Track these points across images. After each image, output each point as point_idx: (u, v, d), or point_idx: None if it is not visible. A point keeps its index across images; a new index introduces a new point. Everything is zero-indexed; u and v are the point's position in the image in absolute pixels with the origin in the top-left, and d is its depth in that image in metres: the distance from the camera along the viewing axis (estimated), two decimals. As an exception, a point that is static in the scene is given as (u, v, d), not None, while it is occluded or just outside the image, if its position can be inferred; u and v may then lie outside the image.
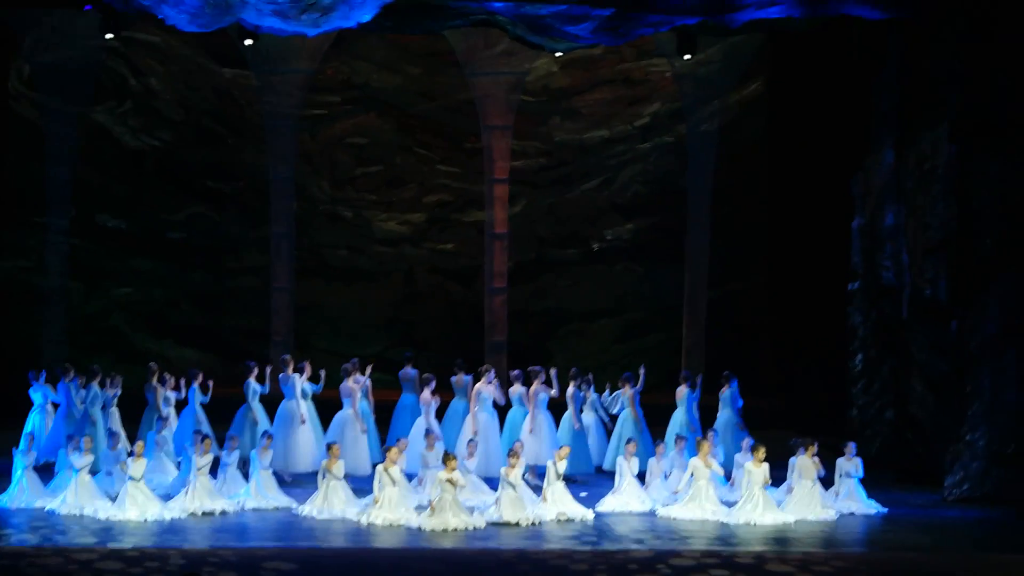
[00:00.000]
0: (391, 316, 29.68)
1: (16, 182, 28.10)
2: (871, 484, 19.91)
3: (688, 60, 26.79)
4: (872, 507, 19.35)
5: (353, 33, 24.73)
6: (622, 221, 29.87)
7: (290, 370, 21.17)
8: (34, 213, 28.10)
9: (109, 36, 25.71)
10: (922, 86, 21.64)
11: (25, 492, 18.75)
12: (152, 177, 29.31)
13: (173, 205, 29.31)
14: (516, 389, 21.28)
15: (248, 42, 25.19)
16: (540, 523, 17.98)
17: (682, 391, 22.10)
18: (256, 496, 18.96)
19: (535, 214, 29.77)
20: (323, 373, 21.46)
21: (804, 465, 18.87)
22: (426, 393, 20.89)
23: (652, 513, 18.91)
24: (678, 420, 21.90)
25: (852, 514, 19.09)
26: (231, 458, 19.32)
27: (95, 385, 21.48)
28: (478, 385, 21.19)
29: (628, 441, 19.91)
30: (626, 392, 21.88)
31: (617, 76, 29.92)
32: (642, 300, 29.73)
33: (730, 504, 18.89)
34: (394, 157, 29.87)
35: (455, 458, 18.02)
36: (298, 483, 20.42)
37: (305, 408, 21.19)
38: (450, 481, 17.61)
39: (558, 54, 26.30)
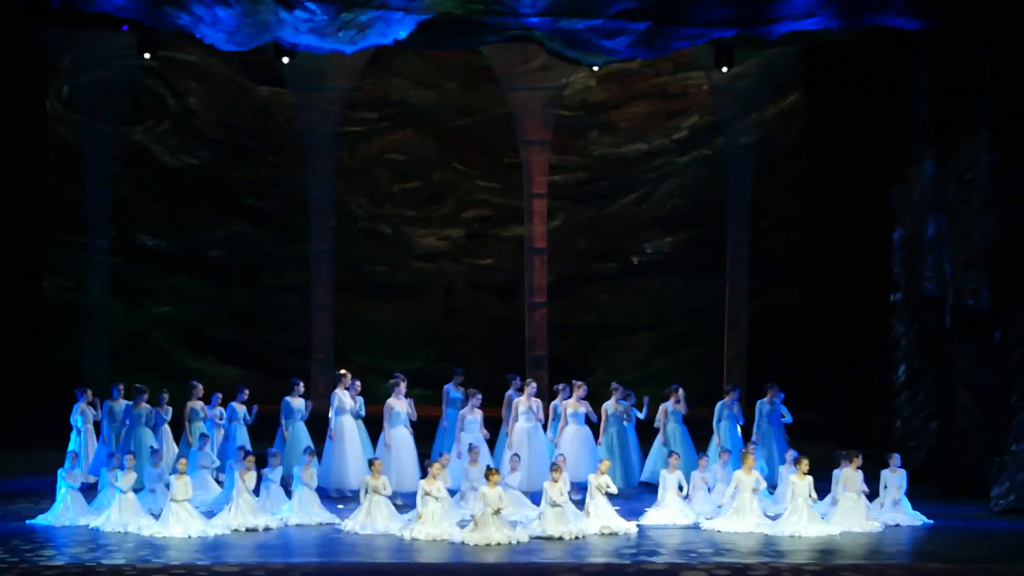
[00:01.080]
0: (431, 332, 29.71)
1: (57, 202, 28.26)
2: (916, 496, 19.79)
3: (725, 73, 26.77)
4: (917, 519, 19.24)
5: (390, 50, 24.72)
6: (661, 235, 29.85)
7: (341, 386, 21.20)
8: (75, 233, 28.26)
9: (147, 56, 25.91)
10: (960, 96, 21.56)
11: (69, 510, 18.79)
12: (191, 195, 29.44)
13: (212, 223, 29.43)
14: (566, 403, 21.25)
15: (285, 60, 25.34)
16: (583, 537, 17.94)
17: (718, 404, 21.99)
18: (299, 512, 18.98)
19: (574, 228, 29.76)
20: (359, 400, 21.36)
21: (849, 477, 18.77)
22: (466, 408, 20.91)
23: (696, 526, 18.84)
24: (720, 433, 21.81)
25: (898, 526, 18.99)
26: (274, 475, 19.34)
27: (132, 404, 21.52)
28: (518, 399, 21.19)
29: (670, 454, 19.86)
30: (666, 406, 21.84)
31: (654, 89, 29.92)
32: (682, 313, 29.68)
33: (774, 516, 18.82)
34: (432, 173, 29.91)
35: (498, 472, 18.00)
36: (344, 498, 20.47)
37: (342, 423, 21.14)
38: (498, 511, 17.58)
39: (595, 68, 26.32)
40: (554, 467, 18.32)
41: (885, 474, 19.45)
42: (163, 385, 23.36)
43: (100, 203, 27.83)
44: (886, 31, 22.08)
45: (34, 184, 27.61)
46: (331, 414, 21.14)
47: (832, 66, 27.11)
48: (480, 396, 20.96)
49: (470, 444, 20.07)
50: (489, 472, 17.91)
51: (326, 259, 28.11)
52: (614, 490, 18.58)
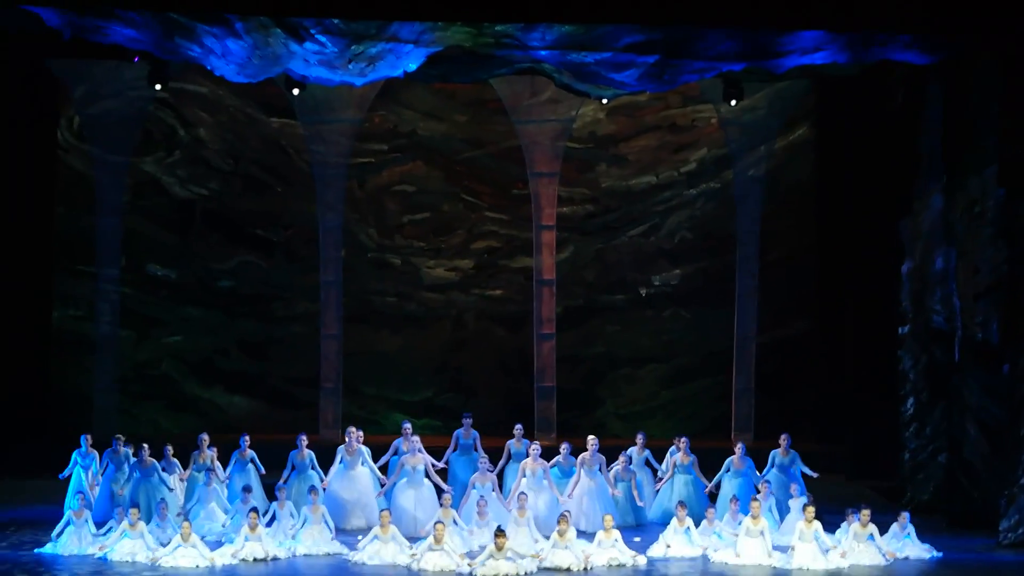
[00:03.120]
0: (440, 362, 29.70)
1: (67, 232, 28.33)
2: (924, 528, 19.80)
3: (734, 106, 26.83)
4: (927, 551, 19.22)
5: (399, 82, 24.86)
6: (670, 267, 29.85)
7: (352, 442, 21.11)
8: (84, 263, 28.30)
9: (158, 87, 26.02)
10: (968, 129, 21.59)
11: (78, 540, 18.79)
12: (201, 226, 29.47)
13: (222, 254, 29.46)
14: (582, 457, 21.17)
15: (296, 92, 25.39)
16: (591, 568, 17.94)
17: (727, 460, 21.73)
18: (307, 543, 18.95)
19: (583, 260, 29.78)
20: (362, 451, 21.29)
21: (858, 533, 18.77)
22: (477, 475, 20.76)
23: (704, 558, 18.84)
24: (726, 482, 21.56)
25: (907, 558, 18.98)
26: (283, 512, 19.24)
27: (138, 462, 21.13)
28: (524, 462, 21.08)
29: (679, 504, 19.73)
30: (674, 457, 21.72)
31: (663, 122, 29.94)
32: (690, 346, 29.66)
33: (782, 549, 18.80)
34: (441, 204, 29.95)
35: (505, 535, 17.84)
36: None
37: (348, 475, 21.10)
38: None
39: (604, 101, 26.36)
40: (561, 519, 18.29)
41: (894, 528, 19.41)
42: (172, 414, 23.41)
43: (110, 233, 27.87)
44: (895, 65, 22.14)
45: (44, 214, 27.68)
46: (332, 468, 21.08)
47: (841, 99, 27.16)
48: (492, 469, 20.80)
49: (480, 497, 20.00)
50: (498, 534, 17.80)
51: (335, 290, 28.13)
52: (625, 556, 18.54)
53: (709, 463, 21.81)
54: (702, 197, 29.84)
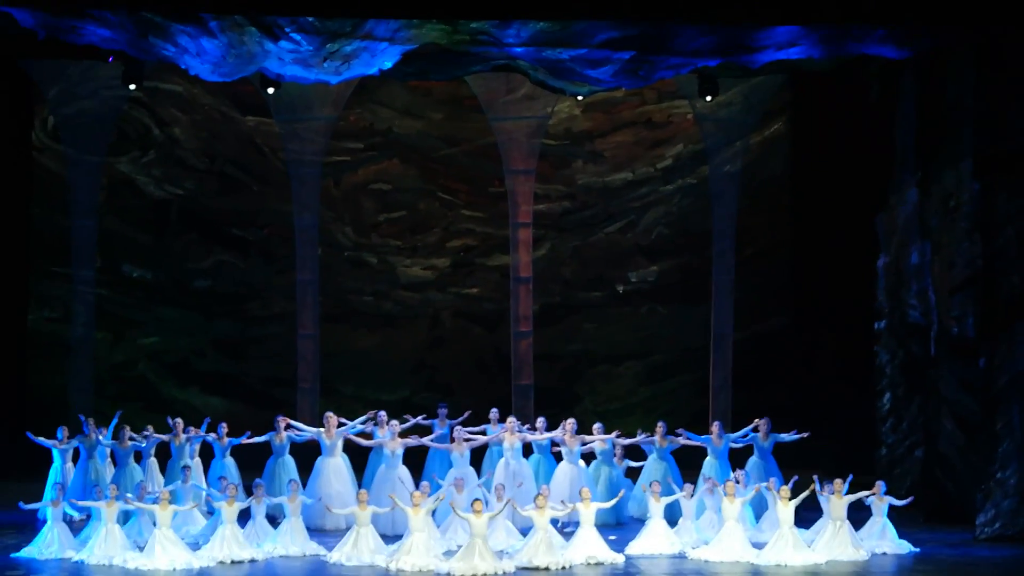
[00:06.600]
0: (417, 361, 29.66)
1: (42, 233, 28.24)
2: (901, 523, 19.82)
3: (709, 101, 26.85)
4: (903, 546, 19.26)
5: (375, 80, 24.82)
6: (646, 263, 29.85)
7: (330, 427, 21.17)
8: (60, 264, 28.21)
9: (132, 87, 25.95)
10: (943, 123, 21.64)
11: (55, 543, 18.74)
12: (176, 226, 29.38)
13: (198, 254, 29.38)
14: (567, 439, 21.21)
15: (271, 90, 25.36)
16: (570, 567, 17.94)
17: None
18: (285, 543, 18.92)
19: (559, 257, 29.76)
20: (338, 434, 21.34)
21: (834, 505, 18.80)
22: (454, 442, 20.95)
23: (682, 555, 18.85)
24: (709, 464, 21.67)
25: (884, 554, 19.00)
26: (259, 507, 19.24)
27: (117, 443, 21.29)
28: (503, 432, 21.17)
29: (652, 483, 19.82)
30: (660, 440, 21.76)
31: (639, 118, 29.94)
32: (668, 342, 29.67)
33: (760, 545, 18.81)
34: (418, 202, 29.90)
35: (481, 502, 18.02)
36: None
37: (327, 464, 21.11)
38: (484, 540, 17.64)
39: (580, 97, 26.36)
40: (539, 495, 18.33)
41: (871, 500, 19.45)
42: (149, 416, 23.31)
43: (85, 234, 27.80)
44: (869, 59, 22.17)
45: (19, 215, 27.58)
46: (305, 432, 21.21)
47: (816, 94, 27.20)
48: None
49: (455, 476, 20.10)
50: (475, 503, 17.93)
51: (312, 289, 28.10)
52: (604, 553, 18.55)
53: (686, 462, 21.81)
54: (678, 193, 29.84)
